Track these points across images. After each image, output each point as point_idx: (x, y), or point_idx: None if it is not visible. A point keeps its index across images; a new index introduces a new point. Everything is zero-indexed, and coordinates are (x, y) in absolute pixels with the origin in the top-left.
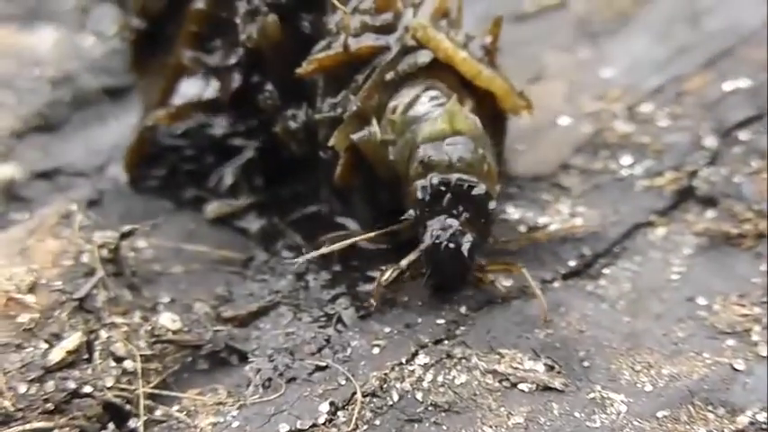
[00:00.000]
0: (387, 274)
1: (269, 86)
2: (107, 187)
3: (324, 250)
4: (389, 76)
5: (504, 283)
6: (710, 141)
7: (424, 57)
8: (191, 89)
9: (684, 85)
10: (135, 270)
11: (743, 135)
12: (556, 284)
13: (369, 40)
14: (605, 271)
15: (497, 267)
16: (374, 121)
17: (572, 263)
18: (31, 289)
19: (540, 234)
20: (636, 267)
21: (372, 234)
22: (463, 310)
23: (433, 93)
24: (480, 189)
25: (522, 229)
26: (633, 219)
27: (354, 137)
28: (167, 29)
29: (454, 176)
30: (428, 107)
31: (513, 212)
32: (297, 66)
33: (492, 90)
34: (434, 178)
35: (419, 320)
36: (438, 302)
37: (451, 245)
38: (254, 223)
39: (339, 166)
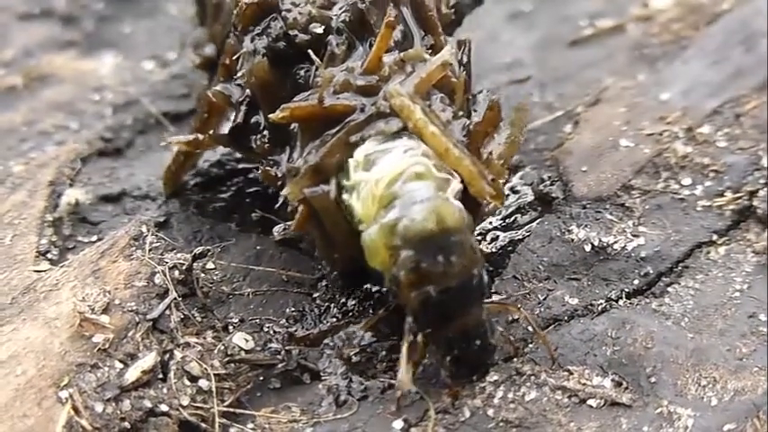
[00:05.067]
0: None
1: (264, 129)
2: (174, 210)
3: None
4: (355, 137)
5: (570, 300)
6: None
7: (392, 125)
8: None
9: (742, 107)
10: (207, 291)
11: None
12: (620, 303)
13: (344, 99)
14: (669, 289)
15: (495, 308)
16: (332, 180)
17: (636, 282)
18: (105, 309)
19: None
20: (698, 285)
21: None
22: (531, 328)
23: (419, 168)
24: (476, 277)
25: (587, 248)
26: (695, 238)
27: (306, 191)
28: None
29: (452, 284)
30: (414, 186)
31: (577, 232)
32: None
33: (458, 171)
34: (434, 293)
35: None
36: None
37: (475, 345)
38: None
39: (296, 217)
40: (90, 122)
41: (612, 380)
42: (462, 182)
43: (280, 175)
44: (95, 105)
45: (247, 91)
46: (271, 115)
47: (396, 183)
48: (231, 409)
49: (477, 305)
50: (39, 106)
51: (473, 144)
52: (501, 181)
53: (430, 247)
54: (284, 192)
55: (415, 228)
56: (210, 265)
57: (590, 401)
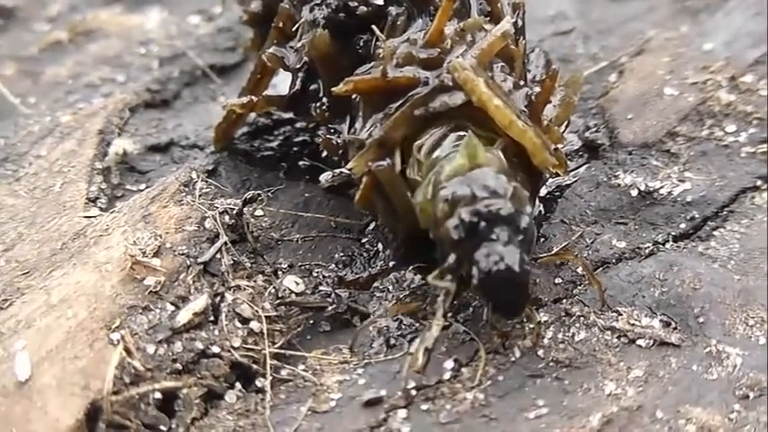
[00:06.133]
0: (419, 358)
1: (323, 97)
2: (222, 159)
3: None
4: (419, 111)
5: (618, 243)
6: None
7: (456, 98)
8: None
9: None
10: (256, 236)
11: None
12: (667, 246)
13: (408, 72)
14: (715, 233)
15: (550, 259)
16: (396, 153)
17: (682, 225)
18: (157, 253)
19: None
20: (744, 230)
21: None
22: (579, 270)
23: (459, 132)
24: (508, 208)
25: (634, 193)
26: (739, 184)
27: (372, 165)
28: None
29: (481, 205)
30: (452, 147)
31: (623, 177)
32: None
33: (522, 143)
34: (462, 213)
35: (537, 281)
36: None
37: (503, 267)
38: None
39: (359, 189)
40: (136, 75)
41: (661, 320)
42: (526, 151)
43: (340, 144)
44: (142, 59)
45: (305, 58)
46: (334, 89)
47: (438, 148)
48: (282, 351)
49: (513, 244)
50: (85, 60)
51: (534, 114)
52: (561, 146)
53: (461, 180)
54: (349, 165)
55: (447, 168)
56: (259, 212)
57: (639, 341)
